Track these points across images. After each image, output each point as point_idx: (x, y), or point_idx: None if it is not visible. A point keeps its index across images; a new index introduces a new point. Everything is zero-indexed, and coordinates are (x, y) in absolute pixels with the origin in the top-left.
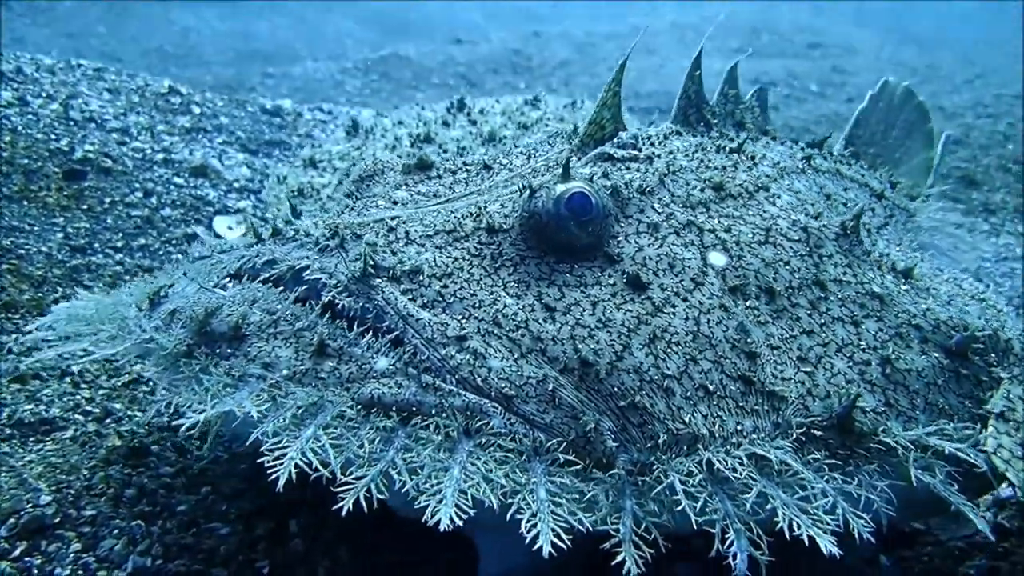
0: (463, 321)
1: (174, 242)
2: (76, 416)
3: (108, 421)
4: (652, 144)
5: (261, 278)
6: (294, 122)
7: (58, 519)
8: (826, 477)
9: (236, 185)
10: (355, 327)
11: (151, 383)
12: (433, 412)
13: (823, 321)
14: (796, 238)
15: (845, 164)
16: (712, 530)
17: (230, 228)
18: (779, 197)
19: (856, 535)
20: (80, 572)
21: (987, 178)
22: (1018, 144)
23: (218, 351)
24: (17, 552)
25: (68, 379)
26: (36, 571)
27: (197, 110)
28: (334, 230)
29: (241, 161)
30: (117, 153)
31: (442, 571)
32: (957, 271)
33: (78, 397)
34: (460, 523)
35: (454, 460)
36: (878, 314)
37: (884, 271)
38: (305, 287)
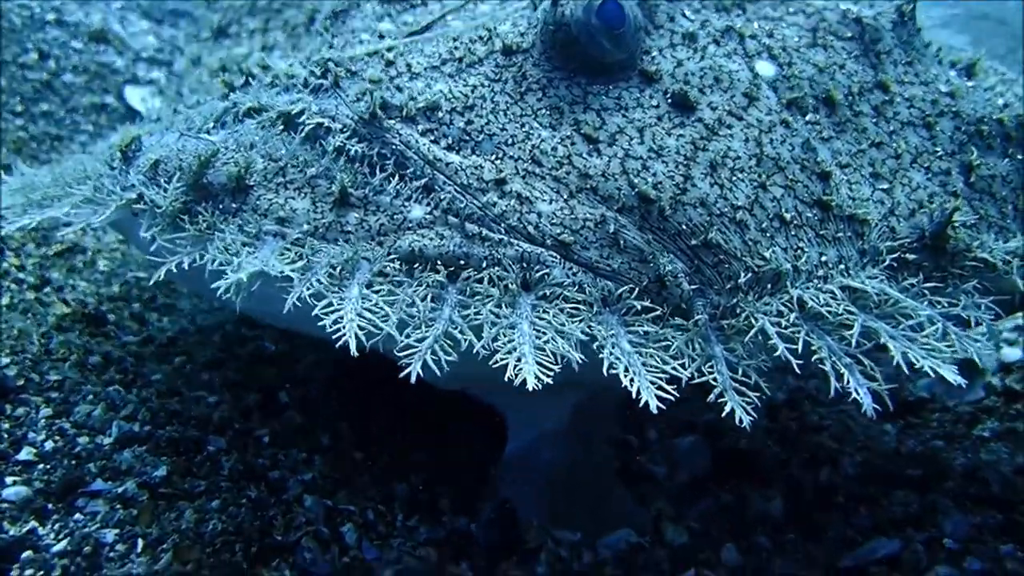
0: (498, 162)
1: (81, 111)
2: (8, 283)
3: (47, 289)
4: None
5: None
6: None
7: (21, 382)
8: (927, 302)
9: (144, 55)
10: (377, 172)
11: (89, 252)
12: (484, 265)
13: (892, 129)
14: (848, 35)
15: None
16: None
17: (144, 100)
18: None
19: (977, 359)
20: (57, 437)
21: None
22: None
23: (222, 206)
24: None
25: None
26: (6, 435)
27: None
28: (324, 67)
29: (146, 29)
30: (1, 8)
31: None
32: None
33: (5, 264)
34: (550, 381)
35: (519, 315)
36: (953, 111)
37: (945, 66)
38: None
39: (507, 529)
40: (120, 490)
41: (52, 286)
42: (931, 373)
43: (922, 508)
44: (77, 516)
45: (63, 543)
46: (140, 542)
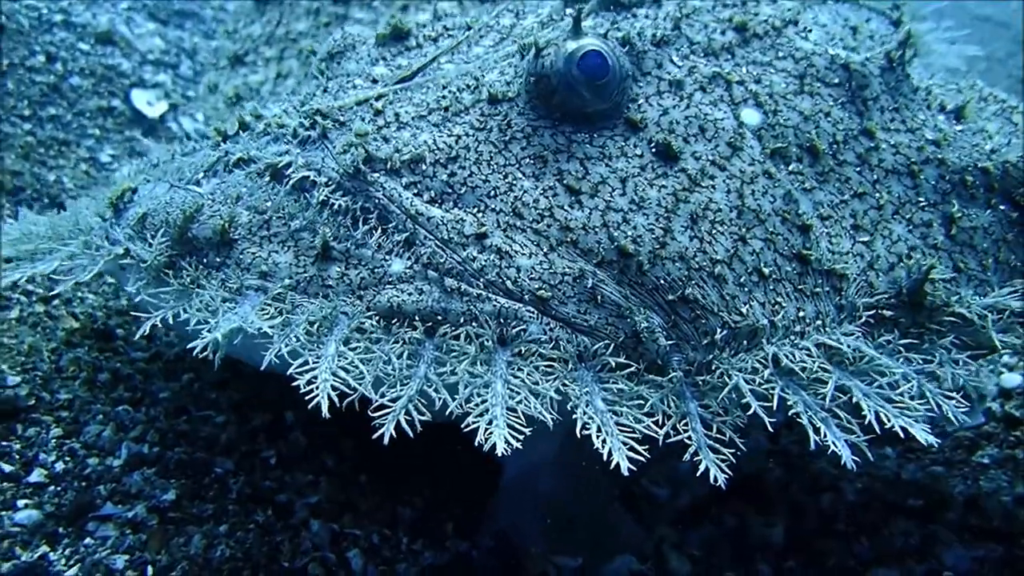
0: (479, 215)
1: (88, 115)
2: (18, 296)
3: (56, 302)
4: None
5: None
6: None
7: (32, 401)
8: (902, 359)
9: (151, 57)
10: (360, 225)
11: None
12: (462, 320)
13: (875, 177)
14: (836, 81)
15: None
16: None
17: (150, 103)
18: (810, 31)
19: (952, 417)
20: (68, 459)
21: None
22: None
23: (205, 260)
24: None
25: None
26: (17, 456)
27: None
28: (312, 118)
29: (152, 31)
30: (8, 9)
31: (444, 465)
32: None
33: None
34: (518, 445)
35: (494, 374)
36: (938, 159)
37: (934, 110)
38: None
39: (506, 557)
40: (130, 514)
41: (61, 298)
42: (901, 434)
43: (923, 539)
44: (88, 541)
45: (74, 569)
46: (150, 569)
